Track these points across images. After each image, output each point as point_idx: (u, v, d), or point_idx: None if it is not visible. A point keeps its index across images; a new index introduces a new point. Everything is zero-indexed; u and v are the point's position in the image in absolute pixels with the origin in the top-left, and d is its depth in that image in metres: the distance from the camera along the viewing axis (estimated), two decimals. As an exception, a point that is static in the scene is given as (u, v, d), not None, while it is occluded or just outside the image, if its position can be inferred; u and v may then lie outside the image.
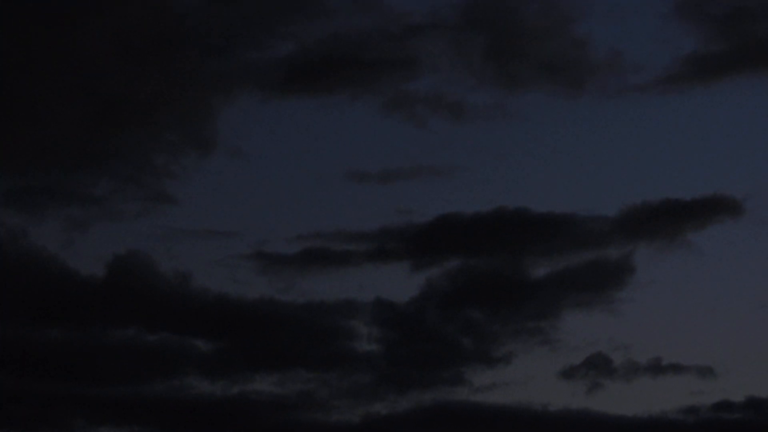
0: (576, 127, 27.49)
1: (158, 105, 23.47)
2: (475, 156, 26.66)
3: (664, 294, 25.49)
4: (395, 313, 23.74)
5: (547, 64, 25.75)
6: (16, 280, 21.85)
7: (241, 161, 24.69)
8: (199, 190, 24.38)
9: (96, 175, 23.01)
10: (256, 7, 24.69)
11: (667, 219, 25.17)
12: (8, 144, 22.57)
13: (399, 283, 25.33)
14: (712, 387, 24.06)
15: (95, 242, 23.64)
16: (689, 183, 28.13)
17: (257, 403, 22.37)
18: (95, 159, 22.90)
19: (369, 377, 23.40)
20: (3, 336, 21.33)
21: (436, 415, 23.18)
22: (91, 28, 22.47)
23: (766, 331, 25.61)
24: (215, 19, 24.21)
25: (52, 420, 21.10)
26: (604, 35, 27.91)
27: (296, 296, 23.95)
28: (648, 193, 26.35)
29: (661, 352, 24.18)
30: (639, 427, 24.40)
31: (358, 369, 23.52)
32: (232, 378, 22.29)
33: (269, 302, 23.07)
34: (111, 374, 21.44)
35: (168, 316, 21.95)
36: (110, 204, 23.14)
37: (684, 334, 25.94)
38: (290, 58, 24.94)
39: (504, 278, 24.79)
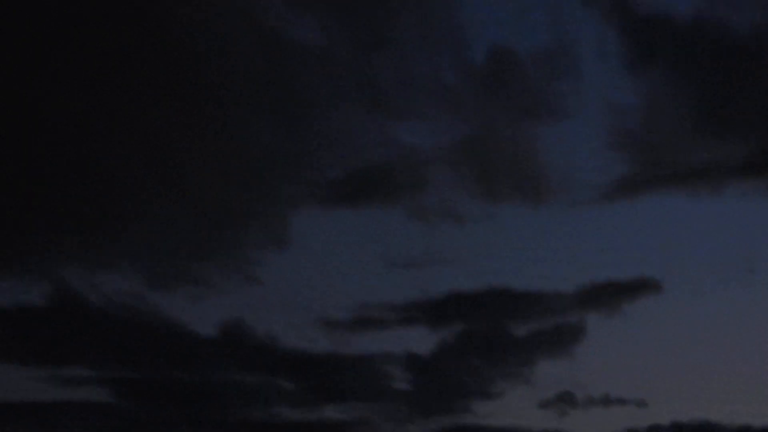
0: (542, 228, 33.59)
1: (248, 214, 31.90)
2: (472, 250, 32.99)
3: (609, 348, 32.17)
4: (420, 362, 30.60)
5: (520, 184, 32.44)
6: (151, 337, 30.01)
7: (308, 254, 31.57)
8: (278, 275, 31.12)
9: (207, 264, 30.04)
10: (315, 144, 33.06)
11: (609, 294, 31.82)
12: (145, 239, 30.76)
13: (422, 341, 31.53)
14: (646, 414, 30.79)
15: (208, 312, 31.67)
16: (624, 268, 33.81)
17: (327, 425, 29.16)
18: (207, 252, 31.18)
19: (404, 407, 30.01)
20: (144, 377, 29.31)
21: None
22: (202, 155, 30.84)
23: (679, 374, 33.70)
24: (287, 153, 32.60)
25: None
26: (560, 164, 33.87)
27: (351, 350, 30.78)
28: (595, 276, 32.99)
29: (608, 389, 31.08)
30: None
31: (396, 401, 30.06)
32: (309, 408, 28.64)
33: (332, 355, 29.92)
34: (223, 405, 29.51)
35: (262, 364, 29.97)
36: (217, 284, 29.98)
37: (624, 375, 32.83)
38: (339, 181, 32.07)
39: (495, 337, 31.43)
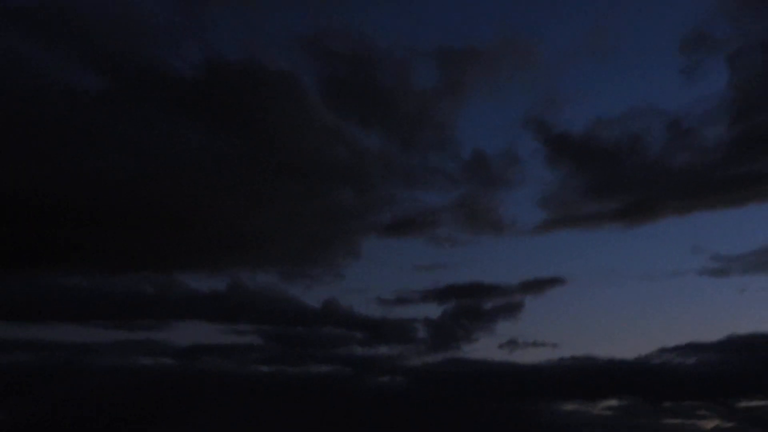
0: (500, 248, 57.50)
1: (338, 240, 53.85)
2: (462, 260, 56.47)
3: (536, 314, 54.59)
4: (432, 323, 52.25)
5: (488, 224, 54.71)
6: (283, 308, 52.13)
7: (371, 263, 54.14)
8: (354, 274, 53.94)
9: (315, 267, 51.88)
10: (375, 202, 55.25)
11: (536, 285, 52.97)
12: (280, 253, 52.75)
13: (433, 311, 56.40)
14: (557, 351, 52.79)
15: (315, 294, 54.37)
16: (545, 270, 58.48)
17: (381, 357, 51.08)
18: (314, 260, 53.24)
19: (423, 347, 51.70)
20: (280, 330, 51.71)
21: (450, 363, 51.20)
22: (312, 209, 52.63)
23: (576, 329, 55.84)
24: (360, 207, 53.10)
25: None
26: (510, 213, 57.46)
27: (394, 316, 52.94)
28: (529, 275, 55.09)
29: (536, 338, 52.61)
30: (529, 368, 51.64)
31: (418, 344, 51.74)
32: (370, 347, 51.03)
33: (383, 319, 51.94)
34: (323, 346, 52.31)
35: (345, 323, 51.83)
36: (320, 278, 52.44)
37: (545, 329, 56.11)
38: (389, 222, 53.23)
39: (474, 309, 53.03)
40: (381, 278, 60.16)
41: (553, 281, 53.90)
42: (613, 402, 52.33)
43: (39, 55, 47.31)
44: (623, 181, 52.85)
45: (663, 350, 53.06)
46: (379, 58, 52.21)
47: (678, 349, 52.96)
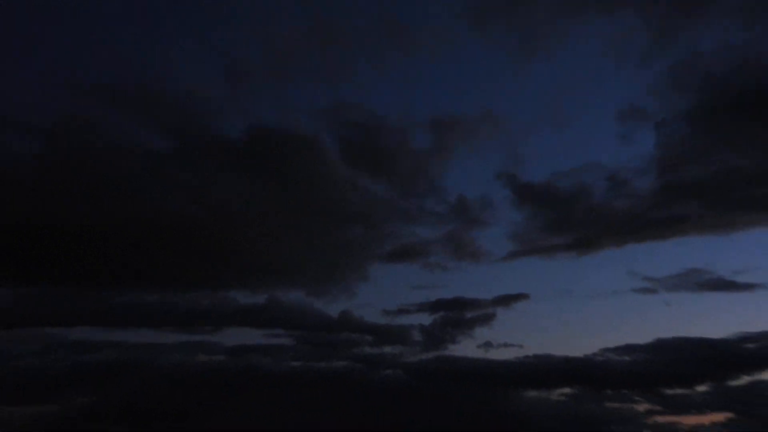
0: (478, 272, 70.88)
1: (350, 266, 67.69)
2: (449, 281, 70.17)
3: (506, 323, 67.72)
4: (426, 329, 65.63)
5: (469, 253, 68.81)
6: (309, 318, 66.34)
7: (376, 283, 67.55)
8: (364, 291, 68.17)
9: (333, 286, 65.84)
10: (380, 237, 69.39)
11: (506, 300, 65.98)
12: (308, 276, 66.74)
13: (426, 319, 67.67)
14: (522, 351, 64.91)
15: (334, 307, 68.38)
16: (513, 288, 71.13)
17: (385, 355, 64.18)
18: (333, 281, 67.15)
19: (418, 347, 65.12)
20: (307, 335, 65.95)
21: (439, 359, 64.25)
22: (328, 241, 66.77)
23: (536, 333, 70.22)
24: (368, 241, 68.69)
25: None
26: (485, 245, 71.48)
27: (396, 323, 66.37)
28: (500, 291, 68.73)
29: (505, 340, 65.55)
30: (501, 364, 63.92)
31: (415, 345, 65.11)
32: (377, 348, 64.31)
33: (387, 325, 65.50)
34: (341, 348, 66.64)
35: (357, 329, 66.16)
36: (337, 295, 65.80)
37: (513, 334, 69.08)
38: (390, 252, 67.26)
39: (457, 318, 67.16)
40: (385, 295, 74.96)
41: (519, 297, 66.64)
42: (566, 390, 62.74)
43: (120, 123, 61.61)
44: (573, 221, 65.98)
45: (605, 350, 63.50)
46: (384, 125, 66.74)
47: (617, 349, 63.34)
